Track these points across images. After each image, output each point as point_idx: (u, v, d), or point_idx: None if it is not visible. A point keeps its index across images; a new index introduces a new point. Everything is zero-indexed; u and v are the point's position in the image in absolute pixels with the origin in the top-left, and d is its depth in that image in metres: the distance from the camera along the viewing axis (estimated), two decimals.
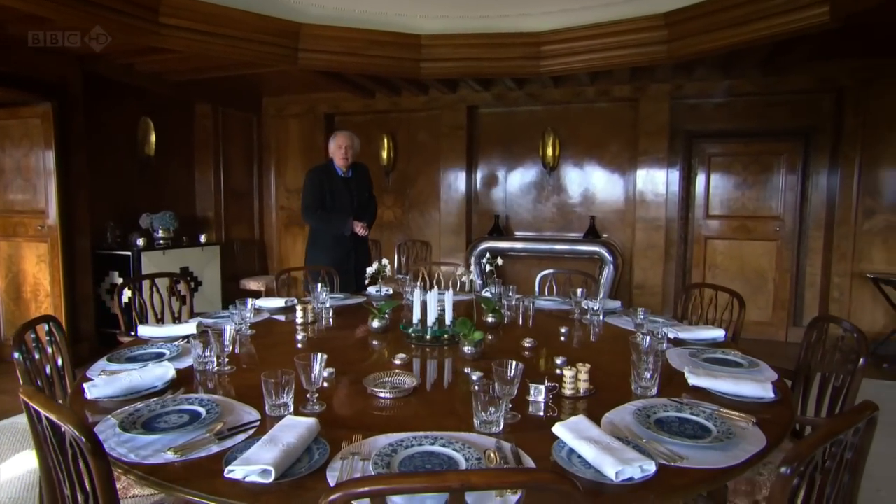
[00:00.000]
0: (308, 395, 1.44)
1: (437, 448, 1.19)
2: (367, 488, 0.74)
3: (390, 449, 1.16)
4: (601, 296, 3.81)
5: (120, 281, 4.64)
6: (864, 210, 4.76)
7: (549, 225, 5.94)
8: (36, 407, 1.05)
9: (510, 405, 1.39)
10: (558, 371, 1.76)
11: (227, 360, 1.77)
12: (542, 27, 4.59)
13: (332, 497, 0.75)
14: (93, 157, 4.56)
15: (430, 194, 6.30)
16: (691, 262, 5.48)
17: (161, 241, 4.96)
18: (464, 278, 2.37)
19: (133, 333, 2.39)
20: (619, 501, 1.04)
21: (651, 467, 1.08)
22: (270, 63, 4.52)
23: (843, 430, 0.98)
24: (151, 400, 1.45)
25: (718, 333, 2.19)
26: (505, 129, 6.00)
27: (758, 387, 1.54)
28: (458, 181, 6.02)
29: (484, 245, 5.72)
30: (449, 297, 2.19)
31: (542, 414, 1.45)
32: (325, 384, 1.59)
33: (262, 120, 6.42)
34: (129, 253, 4.61)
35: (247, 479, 1.04)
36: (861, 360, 1.62)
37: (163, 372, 1.58)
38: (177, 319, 2.79)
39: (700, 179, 5.38)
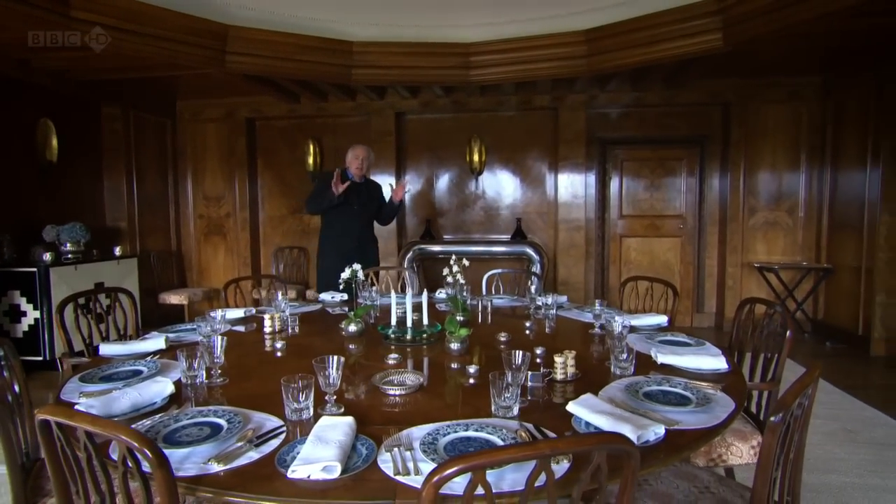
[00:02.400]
0: (326, 397, 1.47)
1: (471, 433, 1.28)
2: (474, 462, 0.83)
3: (430, 438, 1.24)
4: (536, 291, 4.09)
5: (23, 301, 4.18)
6: (749, 208, 5.50)
7: (477, 227, 6.18)
8: (79, 425, 1.00)
9: (519, 391, 1.52)
10: (538, 360, 1.92)
11: (219, 371, 1.73)
12: (471, 38, 4.80)
13: (443, 474, 0.83)
14: None
15: None
16: (608, 258, 5.97)
17: (70, 256, 4.52)
18: (452, 279, 2.46)
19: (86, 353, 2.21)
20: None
21: (661, 431, 1.26)
22: (195, 65, 4.32)
23: (810, 384, 1.22)
24: (157, 416, 1.41)
25: (662, 319, 2.49)
26: (432, 135, 6.16)
27: (714, 360, 1.80)
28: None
29: (417, 248, 5.83)
30: (425, 299, 2.28)
31: (541, 397, 1.59)
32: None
33: (177, 124, 6.05)
34: (35, 269, 4.16)
35: (311, 478, 1.07)
36: (788, 332, 1.95)
37: (161, 388, 1.52)
38: (122, 336, 2.61)
39: (614, 183, 5.89)
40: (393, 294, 2.28)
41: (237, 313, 2.66)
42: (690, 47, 4.07)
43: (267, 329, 2.38)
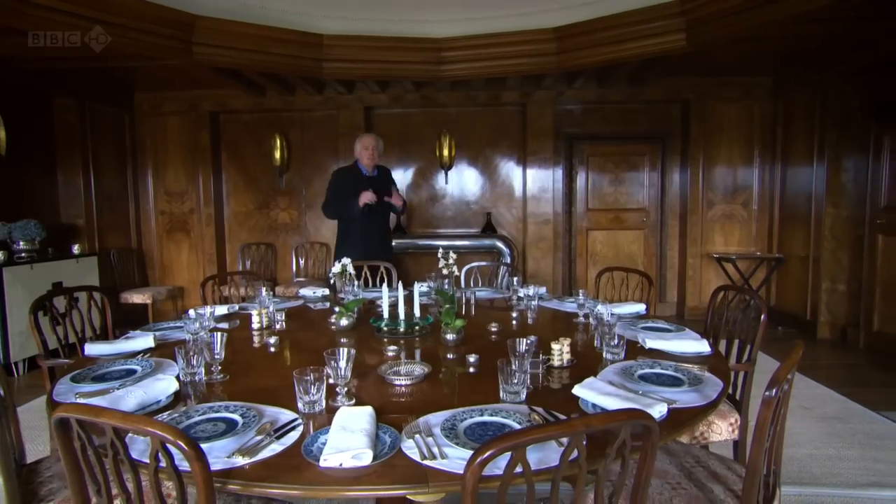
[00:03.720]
0: (338, 389, 1.48)
1: (486, 418, 1.33)
2: (516, 441, 0.88)
3: (449, 424, 1.28)
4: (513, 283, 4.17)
5: None
6: (707, 202, 5.77)
7: (447, 222, 6.23)
8: (108, 422, 0.99)
9: (524, 377, 1.57)
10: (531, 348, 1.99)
11: (219, 368, 1.71)
12: (442, 34, 4.82)
13: (485, 455, 0.87)
14: None
15: None
16: (575, 251, 6.14)
17: (24, 255, 4.29)
18: (447, 271, 2.50)
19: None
20: None
21: (664, 409, 1.34)
22: (160, 56, 4.17)
23: (797, 361, 1.32)
24: (165, 413, 1.39)
25: (641, 307, 2.61)
26: (402, 130, 6.14)
27: (697, 344, 1.92)
28: None
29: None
30: (416, 293, 2.30)
31: (541, 383, 1.66)
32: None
33: (136, 117, 5.81)
34: None
35: (343, 466, 1.09)
36: (763, 316, 2.08)
37: (165, 386, 1.49)
38: (98, 336, 2.52)
39: (580, 177, 6.05)
40: (385, 287, 2.29)
41: (221, 310, 2.61)
42: (656, 46, 4.23)
43: (255, 325, 2.36)
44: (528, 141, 5.89)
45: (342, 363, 1.49)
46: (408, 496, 1.07)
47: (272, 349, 2.08)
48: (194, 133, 5.90)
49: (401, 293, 2.26)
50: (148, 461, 1.05)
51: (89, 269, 4.78)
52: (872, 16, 3.61)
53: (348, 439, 1.14)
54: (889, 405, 3.44)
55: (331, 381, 1.48)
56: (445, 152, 6.03)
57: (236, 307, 2.72)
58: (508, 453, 0.91)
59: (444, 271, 2.47)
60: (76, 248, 4.73)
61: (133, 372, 1.74)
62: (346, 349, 1.50)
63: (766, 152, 5.68)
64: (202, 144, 5.91)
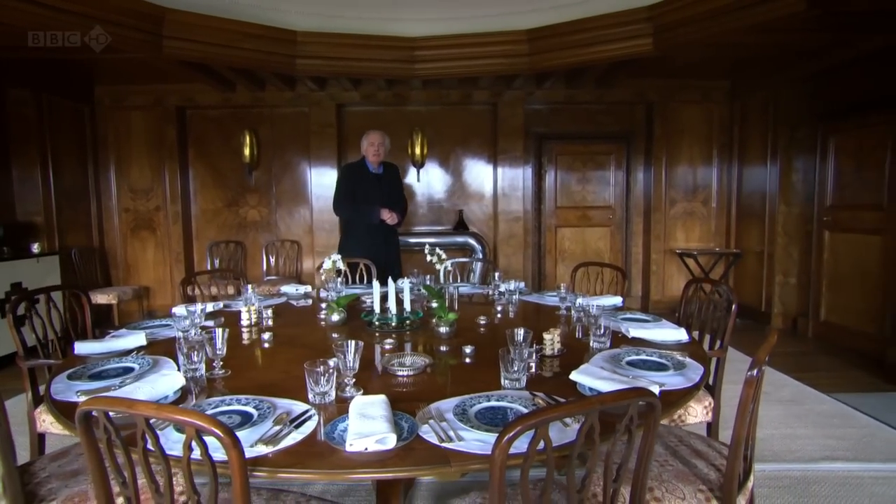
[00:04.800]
0: (346, 380, 1.52)
1: (494, 403, 1.40)
2: (542, 418, 0.95)
3: (460, 410, 1.35)
4: (480, 280, 4.29)
5: None
6: (670, 200, 6.03)
7: (421, 219, 6.27)
8: (142, 413, 1.01)
9: (523, 364, 1.65)
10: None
11: (220, 363, 1.72)
12: (416, 33, 4.86)
13: (510, 434, 0.94)
14: None
15: (299, 192, 6.17)
16: (545, 248, 6.30)
17: None
18: (440, 265, 2.55)
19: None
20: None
21: (656, 391, 1.45)
22: (128, 49, 4.05)
23: (773, 345, 1.45)
24: (180, 407, 1.40)
25: (618, 300, 2.75)
26: (374, 127, 6.12)
27: (676, 333, 2.05)
28: (330, 179, 5.99)
29: None
30: (407, 288, 2.36)
31: (535, 371, 1.74)
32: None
33: (97, 111, 5.60)
34: None
35: (367, 450, 1.14)
36: (734, 306, 2.24)
37: (172, 381, 1.50)
38: (77, 335, 2.46)
39: (549, 176, 6.21)
40: (375, 283, 2.34)
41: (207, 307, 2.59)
42: (624, 50, 4.40)
43: (244, 322, 2.36)
44: (499, 140, 6.00)
45: (350, 355, 1.53)
46: (432, 476, 1.14)
47: (266, 345, 2.09)
48: (159, 128, 5.73)
49: (391, 288, 2.31)
50: (171, 453, 1.08)
51: (50, 269, 4.59)
52: (821, 28, 3.88)
53: (370, 425, 1.19)
54: (836, 388, 3.72)
55: (339, 372, 1.52)
56: (417, 150, 6.07)
57: (220, 305, 2.70)
58: (529, 433, 0.99)
59: (438, 266, 2.52)
60: (35, 247, 4.54)
61: (130, 370, 1.73)
62: (353, 341, 1.54)
63: (724, 152, 5.98)
64: (168, 140, 5.75)
